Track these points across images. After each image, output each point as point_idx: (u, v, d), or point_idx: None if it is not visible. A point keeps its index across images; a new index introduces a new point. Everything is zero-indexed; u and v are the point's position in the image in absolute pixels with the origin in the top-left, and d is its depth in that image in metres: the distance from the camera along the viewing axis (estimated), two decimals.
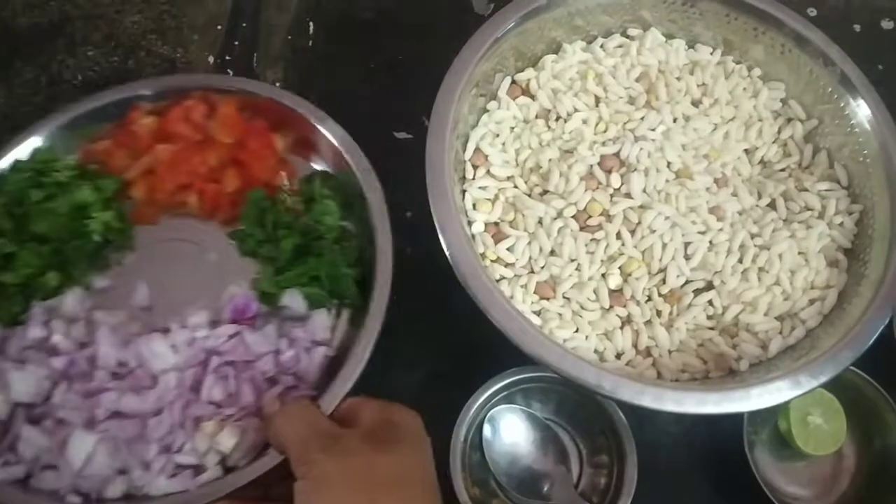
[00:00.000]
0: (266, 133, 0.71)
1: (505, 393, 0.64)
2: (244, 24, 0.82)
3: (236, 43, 0.81)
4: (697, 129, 0.68)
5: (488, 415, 0.63)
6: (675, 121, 0.68)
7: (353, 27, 0.82)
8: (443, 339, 0.68)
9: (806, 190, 0.67)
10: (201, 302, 0.65)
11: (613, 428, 0.63)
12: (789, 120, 0.71)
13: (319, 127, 0.70)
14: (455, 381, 0.63)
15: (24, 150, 0.69)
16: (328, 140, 0.70)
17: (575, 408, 0.65)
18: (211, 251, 0.69)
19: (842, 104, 0.67)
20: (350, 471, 0.48)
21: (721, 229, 0.63)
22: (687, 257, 0.62)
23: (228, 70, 0.80)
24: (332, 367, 0.62)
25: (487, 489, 0.63)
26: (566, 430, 0.66)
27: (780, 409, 0.66)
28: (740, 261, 0.63)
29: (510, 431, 0.64)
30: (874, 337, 0.58)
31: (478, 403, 0.63)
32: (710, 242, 0.63)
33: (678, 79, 0.70)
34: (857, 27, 0.86)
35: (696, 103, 0.70)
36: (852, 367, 0.62)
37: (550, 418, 0.66)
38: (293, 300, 0.64)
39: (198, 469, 0.58)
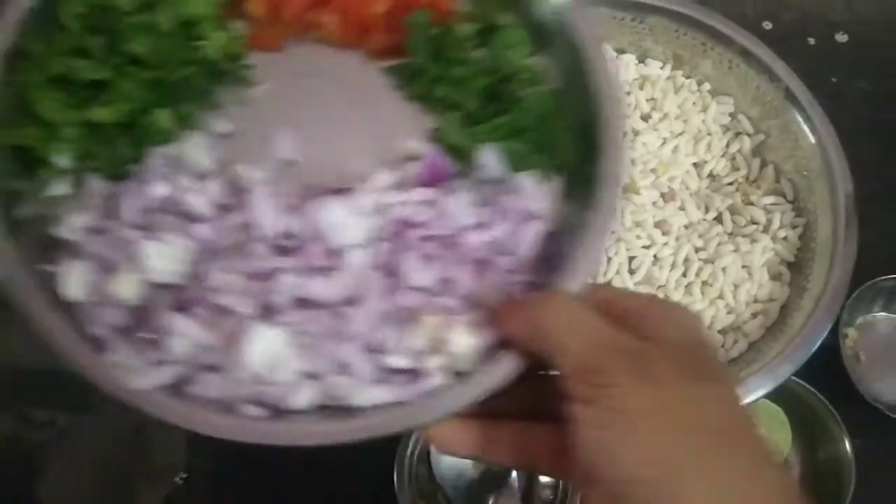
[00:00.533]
0: None
1: None
2: None
3: None
4: (646, 144, 0.69)
5: None
6: (623, 136, 0.69)
7: None
8: None
9: (752, 204, 0.68)
10: (365, 157, 0.49)
11: None
12: (738, 134, 0.72)
13: None
14: None
15: None
16: None
17: None
18: (362, 91, 0.51)
19: (787, 119, 0.68)
20: (669, 407, 0.36)
21: (666, 243, 0.65)
22: (631, 271, 0.64)
23: None
24: (545, 248, 0.48)
25: (434, 502, 0.64)
26: None
27: None
28: (684, 274, 0.64)
29: None
30: (813, 350, 0.59)
31: None
32: (655, 256, 0.65)
33: (628, 93, 0.71)
34: (811, 40, 0.87)
35: (645, 118, 0.71)
36: (797, 379, 0.63)
37: None
38: (491, 158, 0.49)
39: (414, 374, 0.44)
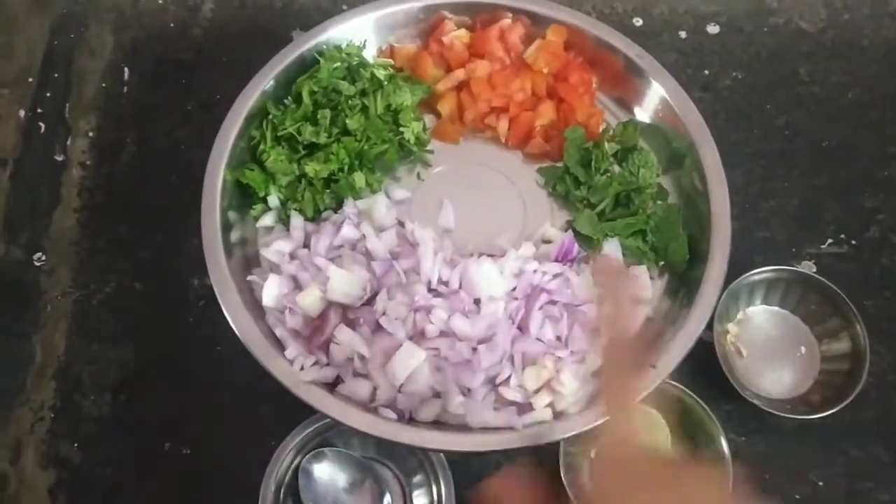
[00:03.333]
0: (587, 69, 0.68)
1: (321, 436, 0.62)
2: (56, 75, 0.80)
3: (48, 94, 0.79)
4: None
5: (303, 461, 0.61)
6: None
7: (169, 69, 0.80)
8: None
9: None
10: (510, 235, 0.61)
11: (430, 460, 0.61)
12: None
13: (645, 69, 0.66)
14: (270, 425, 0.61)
15: (327, 38, 0.64)
16: (651, 86, 0.66)
17: (393, 443, 0.63)
18: (516, 184, 0.65)
19: None
20: None
21: None
22: None
23: (40, 123, 0.78)
24: (643, 330, 0.60)
25: None
26: (387, 466, 0.64)
27: None
28: None
29: (327, 475, 0.61)
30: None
31: (292, 446, 0.60)
32: None
33: None
34: (682, 34, 0.86)
35: None
36: (672, 382, 0.62)
37: (371, 456, 0.64)
38: (614, 250, 0.61)
39: (521, 408, 0.54)
